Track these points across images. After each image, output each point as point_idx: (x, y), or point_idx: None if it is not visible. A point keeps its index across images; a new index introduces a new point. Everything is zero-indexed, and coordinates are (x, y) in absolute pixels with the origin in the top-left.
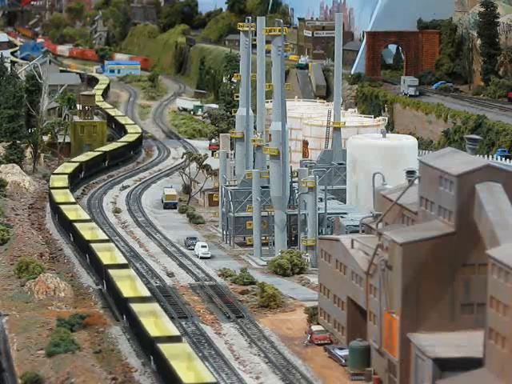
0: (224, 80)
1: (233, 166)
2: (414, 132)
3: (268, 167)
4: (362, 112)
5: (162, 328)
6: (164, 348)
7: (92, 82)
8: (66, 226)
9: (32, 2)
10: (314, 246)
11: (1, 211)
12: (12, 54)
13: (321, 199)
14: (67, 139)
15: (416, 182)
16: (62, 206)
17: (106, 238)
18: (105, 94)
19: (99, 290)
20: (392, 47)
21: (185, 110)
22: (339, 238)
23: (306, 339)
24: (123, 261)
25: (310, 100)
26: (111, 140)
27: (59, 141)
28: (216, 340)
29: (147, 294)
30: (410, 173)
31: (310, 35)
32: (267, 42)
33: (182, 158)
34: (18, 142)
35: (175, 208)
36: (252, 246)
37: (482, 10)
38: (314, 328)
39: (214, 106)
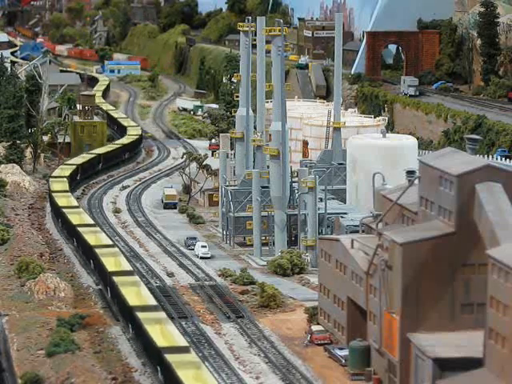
0: (224, 80)
1: (233, 166)
2: (413, 132)
3: (268, 167)
4: (361, 112)
5: (170, 338)
6: (171, 358)
7: (92, 82)
8: (70, 231)
9: (32, 2)
10: (314, 245)
11: (1, 211)
12: (12, 53)
13: (321, 199)
14: (67, 139)
15: (416, 181)
16: (65, 210)
17: (111, 243)
18: (105, 94)
19: (99, 290)
20: (392, 47)
21: (185, 109)
22: (339, 238)
23: (306, 339)
24: (128, 267)
25: (310, 100)
26: (111, 140)
27: (59, 141)
28: (216, 340)
29: (153, 302)
30: (410, 173)
31: (310, 35)
32: (267, 42)
33: (182, 157)
34: (18, 141)
35: (175, 208)
36: (252, 245)
37: (482, 9)
38: (314, 328)
39: (214, 105)
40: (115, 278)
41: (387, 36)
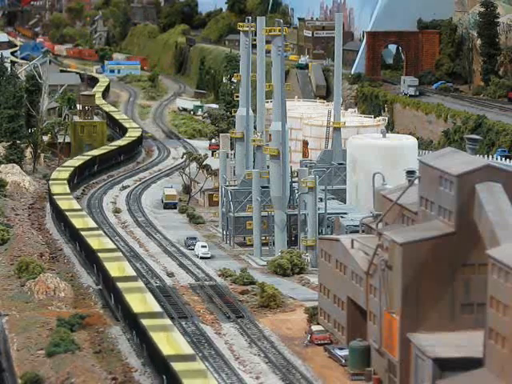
0: (224, 80)
1: (233, 166)
2: (413, 132)
3: (268, 167)
4: (362, 112)
5: (175, 346)
6: (177, 367)
7: (92, 82)
8: (73, 235)
9: (32, 2)
10: (314, 245)
11: (1, 211)
12: (12, 54)
13: (321, 199)
14: (67, 139)
15: (416, 181)
16: (68, 213)
17: (114, 246)
18: (105, 94)
19: (99, 290)
20: (392, 47)
21: (185, 109)
22: (339, 238)
23: (306, 339)
24: (132, 273)
25: (310, 100)
26: (111, 140)
27: (59, 141)
28: (216, 340)
29: (158, 309)
30: (410, 173)
31: (310, 35)
32: (267, 42)
33: (182, 157)
34: (18, 141)
35: (175, 208)
36: (252, 245)
37: (482, 9)
38: (314, 328)
39: (214, 105)
40: (119, 284)
41: (387, 36)
